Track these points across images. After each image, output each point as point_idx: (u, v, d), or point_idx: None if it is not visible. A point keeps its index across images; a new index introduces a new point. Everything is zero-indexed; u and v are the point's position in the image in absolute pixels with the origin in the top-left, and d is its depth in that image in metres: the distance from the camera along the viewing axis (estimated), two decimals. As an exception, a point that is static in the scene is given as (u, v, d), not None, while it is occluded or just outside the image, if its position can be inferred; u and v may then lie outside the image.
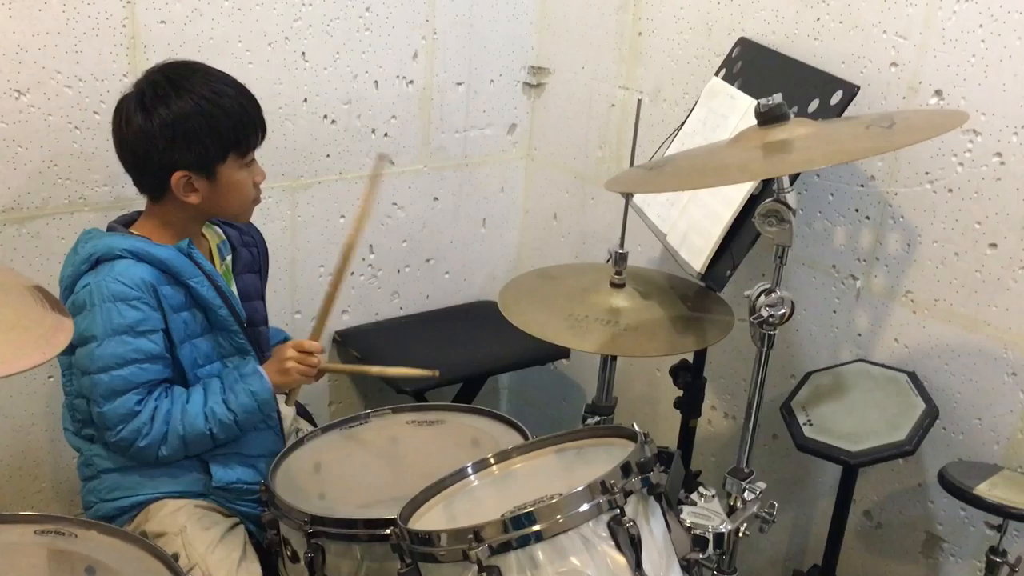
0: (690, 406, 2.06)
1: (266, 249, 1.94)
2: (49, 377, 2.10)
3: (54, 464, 2.19)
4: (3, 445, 2.12)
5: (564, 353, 2.51)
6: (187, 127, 1.62)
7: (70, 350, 1.68)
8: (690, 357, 2.03)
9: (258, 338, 1.86)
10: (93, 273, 1.62)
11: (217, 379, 1.72)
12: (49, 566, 1.49)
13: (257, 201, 1.76)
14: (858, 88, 1.73)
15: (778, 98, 1.45)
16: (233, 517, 1.78)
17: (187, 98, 1.62)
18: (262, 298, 1.91)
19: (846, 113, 1.73)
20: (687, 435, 2.08)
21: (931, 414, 1.74)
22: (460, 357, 2.43)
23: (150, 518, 1.71)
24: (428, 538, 1.30)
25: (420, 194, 2.54)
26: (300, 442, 1.80)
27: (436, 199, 2.57)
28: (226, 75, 1.69)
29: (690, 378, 2.03)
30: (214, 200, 1.69)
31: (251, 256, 1.89)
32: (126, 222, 1.75)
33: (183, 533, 1.67)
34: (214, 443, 1.71)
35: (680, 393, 2.06)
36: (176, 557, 1.45)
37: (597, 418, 1.96)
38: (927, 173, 1.80)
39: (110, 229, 1.72)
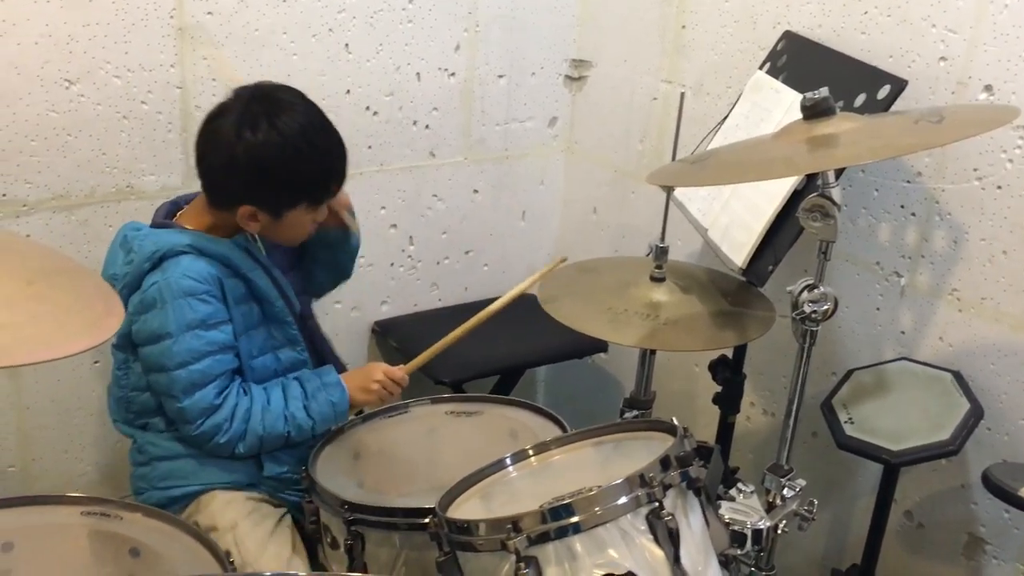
0: (729, 402, 2.05)
1: None
2: (95, 362, 2.14)
3: (99, 448, 2.23)
4: (50, 428, 2.16)
5: (602, 347, 2.51)
6: (269, 171, 1.61)
7: (128, 347, 1.70)
8: (730, 353, 2.02)
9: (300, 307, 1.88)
10: (160, 271, 1.62)
11: (296, 382, 1.73)
12: (93, 547, 1.53)
13: (310, 235, 1.77)
14: (906, 82, 1.71)
15: (824, 92, 1.44)
16: (282, 507, 1.79)
17: (278, 141, 1.59)
18: (295, 267, 1.91)
19: (893, 108, 1.71)
20: (725, 431, 2.07)
21: (975, 414, 1.71)
22: (498, 349, 2.43)
23: (201, 510, 1.72)
24: (467, 527, 1.31)
25: (460, 186, 2.54)
26: (341, 430, 1.82)
27: (476, 191, 2.58)
28: (323, 119, 1.67)
29: (729, 374, 2.02)
30: (271, 231, 1.70)
31: None
32: (169, 212, 1.75)
33: (234, 530, 1.68)
34: (286, 444, 1.73)
35: (719, 389, 2.05)
36: (228, 555, 1.45)
37: (635, 412, 1.96)
38: (975, 169, 1.77)
39: (156, 224, 1.71)
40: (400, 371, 1.80)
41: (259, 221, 1.66)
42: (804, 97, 1.45)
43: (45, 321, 0.94)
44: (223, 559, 1.44)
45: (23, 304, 0.94)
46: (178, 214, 1.75)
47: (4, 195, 1.96)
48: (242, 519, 1.71)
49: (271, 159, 1.60)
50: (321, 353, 1.93)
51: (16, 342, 0.88)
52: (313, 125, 1.65)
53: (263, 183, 1.62)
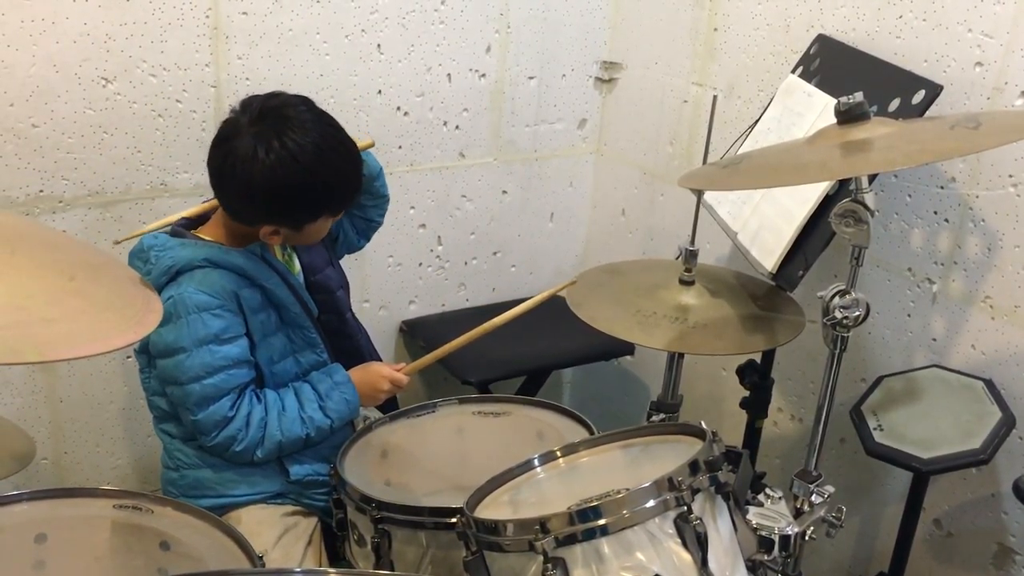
0: (756, 407, 2.04)
1: None
2: (127, 357, 2.17)
3: (130, 442, 2.26)
4: (82, 421, 2.19)
5: (629, 349, 2.51)
6: (287, 194, 1.59)
7: (148, 352, 1.71)
8: (758, 357, 2.01)
9: (337, 305, 1.89)
10: (175, 285, 1.63)
11: (307, 384, 1.75)
12: (125, 539, 1.54)
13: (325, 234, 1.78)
14: (941, 88, 1.70)
15: (859, 96, 1.43)
16: (312, 516, 1.81)
17: (291, 164, 1.56)
18: (332, 264, 1.92)
19: (928, 113, 1.70)
20: (753, 436, 2.07)
21: (1007, 423, 1.69)
22: (524, 350, 2.44)
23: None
24: (494, 527, 1.31)
25: (489, 187, 2.55)
26: (368, 428, 1.83)
27: (505, 192, 2.59)
28: (336, 130, 1.64)
29: (757, 378, 2.01)
30: (291, 240, 1.71)
31: None
32: (189, 224, 1.75)
33: (265, 557, 1.67)
34: (306, 445, 1.74)
35: (745, 393, 2.04)
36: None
37: (662, 415, 1.95)
38: (1011, 176, 1.75)
39: (175, 234, 1.71)
40: (404, 377, 1.82)
41: (280, 235, 1.67)
42: (839, 101, 1.44)
43: (88, 316, 0.95)
44: (252, 555, 1.45)
45: (66, 300, 0.96)
46: (200, 227, 1.74)
47: (41, 191, 1.99)
48: (272, 546, 1.72)
49: (287, 182, 1.58)
50: (359, 349, 1.94)
51: (61, 337, 0.89)
52: (326, 139, 1.61)
53: (283, 205, 1.62)
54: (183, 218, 1.77)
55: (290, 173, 1.57)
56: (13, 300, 0.90)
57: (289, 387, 1.74)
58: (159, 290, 1.63)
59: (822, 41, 1.99)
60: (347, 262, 2.37)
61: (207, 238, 1.71)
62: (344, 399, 1.75)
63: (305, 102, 1.64)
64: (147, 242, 1.70)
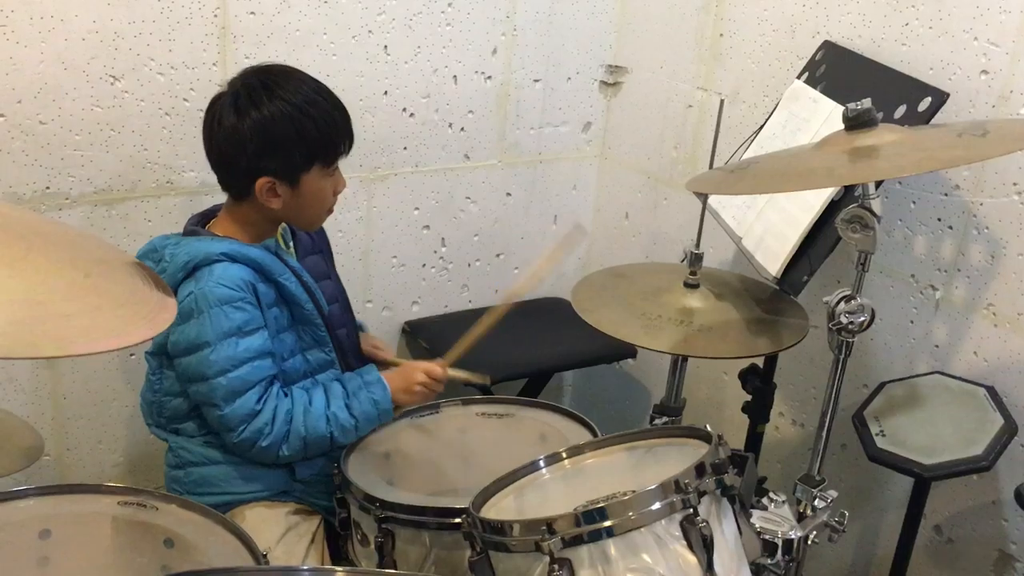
0: (759, 411, 2.04)
1: (322, 228, 1.94)
2: (131, 355, 2.17)
3: (133, 439, 2.25)
4: (85, 418, 2.19)
5: (631, 352, 2.51)
6: (276, 134, 1.63)
7: (162, 354, 1.72)
8: (760, 362, 2.02)
9: (331, 319, 1.89)
10: (193, 280, 1.63)
11: (337, 383, 1.75)
12: (129, 536, 1.54)
13: (331, 211, 1.78)
14: (947, 95, 1.71)
15: (867, 103, 1.44)
16: (315, 516, 1.81)
17: (278, 104, 1.63)
18: (329, 277, 1.93)
19: (933, 120, 1.71)
20: (754, 440, 2.07)
21: (1009, 430, 1.70)
22: (526, 352, 2.44)
23: None
24: (501, 528, 1.31)
25: (493, 189, 2.56)
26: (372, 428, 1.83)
27: (509, 194, 2.59)
28: (319, 83, 1.71)
29: (760, 383, 2.01)
30: (293, 207, 1.71)
31: (310, 239, 1.90)
32: (201, 222, 1.77)
33: (268, 555, 1.68)
34: (332, 446, 1.73)
35: (747, 398, 2.04)
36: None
37: (665, 419, 1.96)
38: (1015, 184, 1.76)
39: (188, 232, 1.73)
40: (440, 369, 1.80)
41: (279, 195, 1.67)
42: (847, 108, 1.44)
43: (104, 312, 0.96)
44: (257, 553, 1.45)
45: (82, 296, 0.97)
46: (209, 224, 1.76)
47: (48, 188, 2.00)
48: (274, 544, 1.71)
49: (277, 124, 1.63)
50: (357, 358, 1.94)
51: (78, 332, 0.90)
52: (311, 88, 1.68)
53: (272, 148, 1.63)
54: (195, 215, 1.78)
55: (277, 116, 1.63)
56: (31, 295, 0.91)
57: (320, 385, 1.74)
58: (176, 286, 1.64)
59: (828, 47, 2.00)
60: (351, 262, 2.39)
61: (220, 234, 1.72)
62: (371, 399, 1.73)
63: (291, 66, 1.73)
64: (158, 242, 1.71)
